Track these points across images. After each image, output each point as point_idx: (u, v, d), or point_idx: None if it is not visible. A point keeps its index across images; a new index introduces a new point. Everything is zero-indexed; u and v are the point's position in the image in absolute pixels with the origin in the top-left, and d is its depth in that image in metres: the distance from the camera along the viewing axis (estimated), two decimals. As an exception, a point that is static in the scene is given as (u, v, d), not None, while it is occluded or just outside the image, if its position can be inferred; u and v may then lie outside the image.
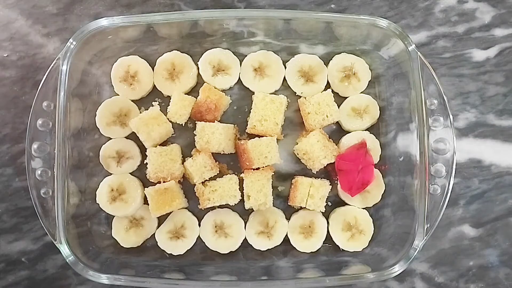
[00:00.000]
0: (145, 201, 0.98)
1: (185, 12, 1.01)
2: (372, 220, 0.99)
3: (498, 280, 1.02)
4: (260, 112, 0.97)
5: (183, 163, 0.98)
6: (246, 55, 1.01)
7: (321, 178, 0.99)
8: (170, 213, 0.98)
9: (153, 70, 1.01)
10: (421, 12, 1.05)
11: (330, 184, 0.97)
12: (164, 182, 0.96)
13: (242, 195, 0.97)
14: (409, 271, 1.02)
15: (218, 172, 0.98)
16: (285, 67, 1.01)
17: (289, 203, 0.99)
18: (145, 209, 0.98)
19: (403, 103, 0.98)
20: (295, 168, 1.02)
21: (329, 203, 0.99)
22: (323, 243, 0.99)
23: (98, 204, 0.98)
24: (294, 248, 0.99)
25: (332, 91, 0.99)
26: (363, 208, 1.00)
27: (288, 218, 1.00)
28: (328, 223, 1.00)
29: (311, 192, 0.95)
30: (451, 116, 0.93)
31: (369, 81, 1.01)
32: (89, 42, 0.95)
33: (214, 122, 0.97)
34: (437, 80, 0.92)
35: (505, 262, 1.02)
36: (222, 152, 0.98)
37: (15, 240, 1.02)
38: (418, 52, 0.92)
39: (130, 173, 1.00)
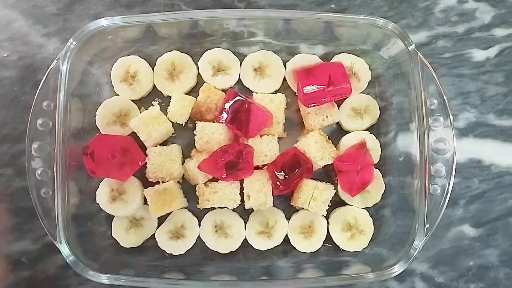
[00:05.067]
0: (145, 201, 0.98)
1: (185, 12, 1.01)
2: (372, 220, 0.99)
3: (498, 280, 1.02)
4: (260, 112, 0.97)
5: (182, 164, 0.98)
6: (246, 55, 1.01)
7: (325, 182, 0.98)
8: (170, 213, 0.98)
9: (153, 70, 1.01)
10: (421, 12, 1.05)
11: (334, 189, 0.97)
12: (163, 182, 0.97)
13: (242, 197, 0.97)
14: (409, 271, 1.02)
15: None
16: (285, 67, 1.01)
17: (291, 203, 0.99)
18: (145, 209, 0.98)
19: (403, 103, 0.98)
20: (295, 168, 1.02)
21: (329, 203, 0.98)
22: (323, 243, 0.99)
23: (98, 204, 0.98)
24: (294, 248, 0.99)
25: (332, 91, 0.99)
26: (363, 208, 1.00)
27: (288, 218, 1.00)
28: (328, 223, 1.00)
29: (314, 195, 0.94)
30: (451, 116, 0.92)
31: (369, 81, 1.01)
32: (89, 42, 0.95)
33: (214, 122, 0.97)
34: (437, 80, 0.92)
35: (505, 262, 1.02)
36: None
37: (15, 240, 1.02)
38: (418, 52, 0.92)
39: (130, 173, 1.00)
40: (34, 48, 1.04)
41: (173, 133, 1.01)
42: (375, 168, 0.99)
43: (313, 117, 0.98)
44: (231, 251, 0.99)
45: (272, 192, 0.96)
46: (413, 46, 0.93)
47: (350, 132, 1.01)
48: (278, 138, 0.99)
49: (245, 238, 0.99)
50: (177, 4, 1.05)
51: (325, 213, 0.96)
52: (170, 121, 0.99)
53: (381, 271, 0.91)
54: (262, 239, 0.98)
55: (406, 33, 0.93)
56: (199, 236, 0.99)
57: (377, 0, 1.06)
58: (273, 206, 0.98)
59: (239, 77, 1.01)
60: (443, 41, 1.05)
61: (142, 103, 1.02)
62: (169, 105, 0.99)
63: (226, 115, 0.94)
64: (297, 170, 0.94)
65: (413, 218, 0.92)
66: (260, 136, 0.97)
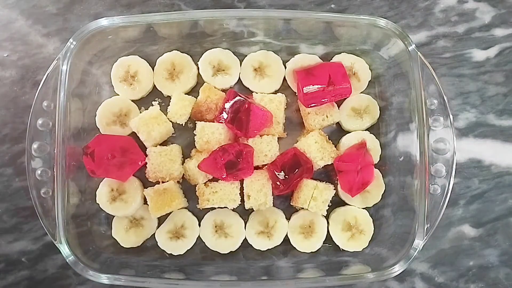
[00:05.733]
0: (145, 201, 0.98)
1: (185, 12, 1.01)
2: (372, 220, 0.99)
3: (498, 280, 1.02)
4: (260, 112, 0.97)
5: (182, 164, 0.98)
6: (246, 55, 1.01)
7: (325, 182, 0.98)
8: (170, 213, 0.98)
9: (153, 70, 1.01)
10: (421, 12, 1.05)
11: (334, 189, 0.97)
12: (163, 182, 0.97)
13: (242, 197, 0.97)
14: (409, 271, 1.02)
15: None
16: (285, 67, 1.01)
17: (291, 203, 0.99)
18: (145, 209, 0.98)
19: (403, 103, 0.98)
20: (295, 168, 1.02)
21: (329, 203, 0.98)
22: (323, 243, 0.99)
23: (98, 204, 0.98)
24: (294, 248, 0.99)
25: (332, 91, 0.99)
26: (363, 208, 1.00)
27: (288, 218, 1.00)
28: (328, 223, 1.00)
29: (314, 195, 0.94)
30: (451, 116, 0.93)
31: (369, 81, 1.01)
32: (89, 42, 0.95)
33: (214, 122, 0.98)
34: (437, 80, 0.92)
35: (505, 262, 1.02)
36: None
37: (15, 240, 1.02)
38: (418, 52, 0.92)
39: (130, 173, 1.00)
40: (34, 48, 1.04)
41: (173, 133, 1.01)
42: (375, 168, 0.99)
43: (313, 117, 0.98)
44: (231, 251, 0.99)
45: (272, 192, 0.96)
46: (413, 46, 0.93)
47: (350, 132, 1.01)
48: (278, 138, 0.99)
49: (245, 238, 0.99)
50: (177, 4, 1.05)
51: (325, 213, 0.96)
52: (170, 121, 0.99)
53: (381, 271, 0.91)
54: (262, 239, 0.98)
55: (406, 33, 0.93)
56: (199, 236, 0.99)
57: (377, 0, 1.06)
58: (273, 206, 0.98)
59: (239, 77, 1.01)
60: (443, 41, 1.05)
61: (142, 103, 1.02)
62: (169, 105, 0.99)
63: (226, 115, 0.94)
64: (297, 170, 0.94)
65: (413, 218, 0.92)
66: (260, 136, 0.97)
